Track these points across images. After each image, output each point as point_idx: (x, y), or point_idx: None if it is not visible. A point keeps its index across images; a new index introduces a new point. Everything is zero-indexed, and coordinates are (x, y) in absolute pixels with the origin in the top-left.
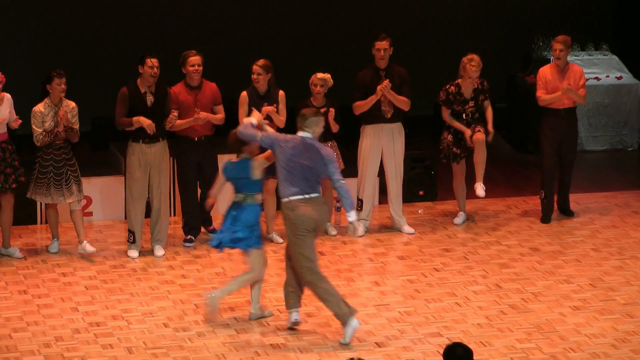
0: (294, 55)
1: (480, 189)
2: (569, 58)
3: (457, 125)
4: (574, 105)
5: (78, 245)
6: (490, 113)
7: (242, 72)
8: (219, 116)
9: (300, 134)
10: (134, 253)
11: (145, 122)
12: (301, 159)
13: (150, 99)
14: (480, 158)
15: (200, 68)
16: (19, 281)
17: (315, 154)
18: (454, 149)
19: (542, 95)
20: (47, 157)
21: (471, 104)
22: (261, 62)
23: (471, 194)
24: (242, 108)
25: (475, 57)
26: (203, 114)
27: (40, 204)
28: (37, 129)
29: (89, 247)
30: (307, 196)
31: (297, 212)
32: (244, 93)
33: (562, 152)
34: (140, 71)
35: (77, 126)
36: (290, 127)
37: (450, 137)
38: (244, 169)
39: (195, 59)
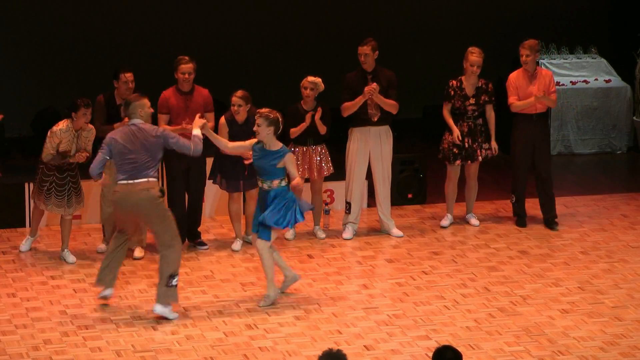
0: (285, 57)
1: (474, 219)
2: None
3: (450, 123)
4: (545, 109)
5: (60, 251)
6: (492, 123)
7: (233, 75)
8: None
9: (131, 121)
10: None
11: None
12: (131, 147)
13: None
14: (470, 194)
15: (192, 76)
16: (8, 284)
17: (147, 138)
18: (455, 150)
19: (515, 102)
20: (51, 165)
21: (472, 100)
22: (240, 93)
23: (461, 197)
24: (221, 133)
25: (477, 48)
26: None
27: (29, 205)
28: (50, 150)
29: (70, 257)
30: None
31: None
32: (223, 119)
33: (537, 161)
34: (116, 85)
35: (89, 147)
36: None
37: (451, 138)
38: None
39: (186, 67)
